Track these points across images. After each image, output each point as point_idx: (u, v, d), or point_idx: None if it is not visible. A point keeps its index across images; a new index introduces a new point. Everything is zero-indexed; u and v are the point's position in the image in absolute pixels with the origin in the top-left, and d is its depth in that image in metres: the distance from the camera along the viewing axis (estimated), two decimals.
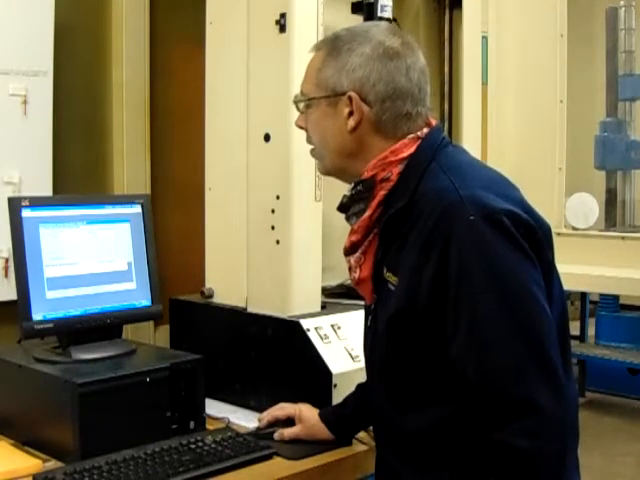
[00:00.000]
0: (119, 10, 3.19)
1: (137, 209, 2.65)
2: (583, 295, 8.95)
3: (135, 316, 2.67)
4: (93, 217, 2.55)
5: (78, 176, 3.10)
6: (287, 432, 2.36)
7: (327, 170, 2.12)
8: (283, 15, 2.53)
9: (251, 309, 2.69)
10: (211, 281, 2.87)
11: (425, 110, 2.04)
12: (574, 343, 9.00)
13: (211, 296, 2.85)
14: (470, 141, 3.18)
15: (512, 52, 3.18)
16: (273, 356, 2.59)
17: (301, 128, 2.13)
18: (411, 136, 1.99)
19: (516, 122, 3.17)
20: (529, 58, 3.15)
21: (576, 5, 3.16)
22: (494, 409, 1.76)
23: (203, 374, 2.47)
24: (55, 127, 2.93)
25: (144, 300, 2.63)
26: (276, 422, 2.43)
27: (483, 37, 3.18)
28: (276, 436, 2.36)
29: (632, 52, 6.53)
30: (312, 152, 2.14)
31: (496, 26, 3.17)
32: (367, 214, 1.99)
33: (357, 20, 2.85)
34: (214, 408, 2.61)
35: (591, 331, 8.96)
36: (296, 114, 2.12)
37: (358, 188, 2.02)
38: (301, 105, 2.09)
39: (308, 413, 2.38)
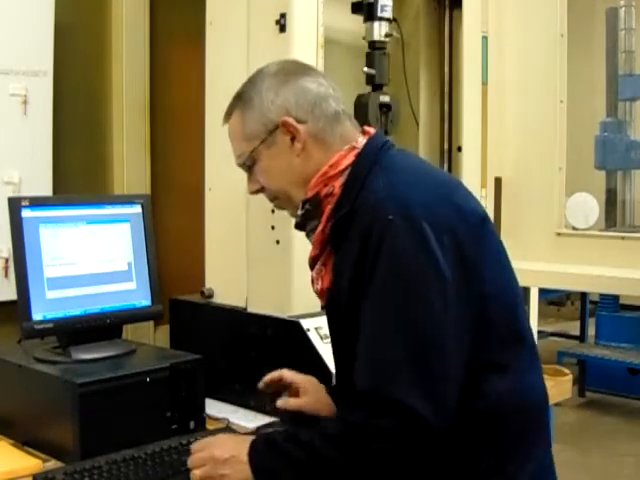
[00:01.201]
0: (119, 10, 3.19)
1: (137, 209, 2.65)
2: (583, 295, 8.97)
3: (135, 316, 2.67)
4: (93, 217, 2.55)
5: (78, 176, 3.10)
6: (292, 401, 2.27)
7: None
8: (283, 15, 2.53)
9: (251, 309, 2.69)
10: (211, 281, 2.87)
11: (347, 112, 2.11)
12: (574, 343, 9.02)
13: (211, 296, 2.85)
14: (470, 141, 3.18)
15: (512, 52, 3.18)
16: (273, 356, 2.58)
17: (257, 191, 2.17)
18: (347, 147, 2.04)
19: (516, 122, 3.17)
20: (529, 58, 3.15)
21: (576, 5, 3.16)
22: (360, 401, 1.82)
23: (203, 374, 2.47)
24: (55, 127, 2.92)
25: (144, 300, 2.63)
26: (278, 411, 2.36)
27: (483, 37, 3.18)
28: (280, 403, 2.27)
29: (632, 52, 6.52)
30: (277, 205, 2.20)
31: (496, 26, 3.17)
32: (319, 229, 2.04)
33: (357, 20, 2.85)
34: (214, 408, 2.61)
35: (591, 331, 8.97)
36: None
37: (306, 207, 2.07)
38: (247, 164, 2.13)
39: (315, 387, 2.30)
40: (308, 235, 2.12)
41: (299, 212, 2.10)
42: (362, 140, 2.06)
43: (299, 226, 2.15)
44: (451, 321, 1.82)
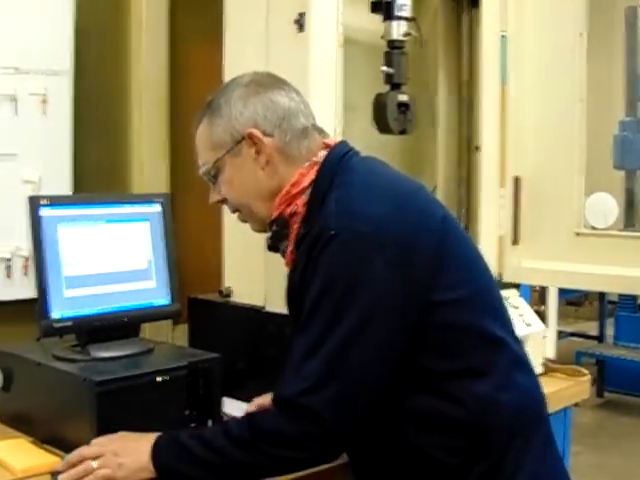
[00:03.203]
0: (139, 10, 3.19)
1: (157, 208, 2.65)
2: (602, 295, 8.95)
3: (154, 315, 2.68)
4: (112, 216, 2.56)
5: (97, 175, 3.10)
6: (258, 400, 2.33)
7: (263, 221, 2.15)
8: (302, 14, 2.52)
9: (269, 308, 2.69)
10: (230, 280, 2.87)
11: (316, 124, 2.13)
12: (592, 343, 9.00)
13: (229, 295, 2.85)
14: (489, 140, 3.18)
15: (531, 51, 3.17)
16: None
17: (219, 202, 2.20)
18: (307, 164, 2.04)
19: (535, 122, 3.16)
20: (548, 57, 3.14)
21: (596, 4, 3.14)
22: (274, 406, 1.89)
23: (221, 373, 2.48)
24: (74, 126, 2.93)
25: (163, 299, 2.64)
26: None
27: (502, 36, 3.17)
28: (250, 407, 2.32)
29: None
30: (240, 217, 2.21)
31: (515, 25, 3.16)
32: (289, 249, 2.08)
33: (376, 19, 2.85)
34: (232, 407, 2.61)
35: (609, 331, 8.96)
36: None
37: (273, 229, 2.10)
38: (212, 174, 2.14)
39: None
40: (283, 255, 2.14)
41: (268, 234, 2.13)
42: (322, 154, 2.06)
43: (271, 248, 2.17)
44: (381, 336, 1.84)
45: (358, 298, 1.82)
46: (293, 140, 2.05)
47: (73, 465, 2.00)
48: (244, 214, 2.18)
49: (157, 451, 1.94)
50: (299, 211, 2.02)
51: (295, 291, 2.00)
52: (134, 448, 1.98)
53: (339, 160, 2.03)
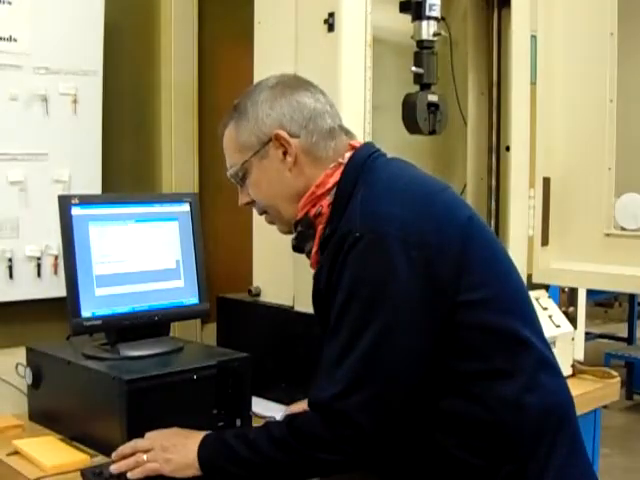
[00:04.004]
0: (168, 10, 3.20)
1: (185, 207, 2.67)
2: (631, 297, 8.89)
3: (183, 314, 2.69)
4: (142, 215, 2.57)
5: (127, 174, 3.12)
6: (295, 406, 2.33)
7: (289, 223, 2.16)
8: (332, 14, 2.53)
9: (298, 307, 2.69)
10: (258, 279, 2.88)
11: (342, 125, 2.13)
12: (621, 345, 8.94)
13: (258, 294, 2.86)
14: (518, 141, 3.17)
15: (561, 51, 3.15)
16: (320, 354, 2.58)
17: (248, 204, 2.20)
18: (332, 165, 2.05)
19: (565, 122, 3.15)
20: (578, 57, 3.13)
21: (626, 3, 3.12)
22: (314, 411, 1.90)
23: (250, 372, 2.48)
24: (104, 126, 2.95)
25: (192, 298, 2.65)
26: None
27: (532, 36, 3.16)
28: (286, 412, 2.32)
29: None
30: (267, 219, 2.21)
31: (545, 25, 3.14)
32: (314, 250, 2.08)
33: (405, 19, 2.85)
34: (260, 406, 2.62)
35: (639, 333, 8.89)
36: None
37: (299, 229, 2.11)
38: (239, 176, 2.15)
39: None
40: (308, 256, 2.14)
41: (294, 234, 2.14)
42: (348, 155, 2.06)
43: (296, 249, 2.18)
44: (410, 338, 1.84)
45: (385, 300, 1.83)
46: (320, 141, 2.06)
47: (125, 456, 2.06)
48: (271, 216, 2.19)
49: (203, 449, 1.98)
50: (324, 212, 2.03)
51: (321, 293, 2.01)
52: (183, 445, 2.02)
53: (364, 161, 2.04)
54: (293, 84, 2.13)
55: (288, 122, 2.05)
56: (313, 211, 2.04)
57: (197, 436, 2.02)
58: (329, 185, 2.03)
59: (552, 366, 2.02)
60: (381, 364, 1.82)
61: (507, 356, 1.91)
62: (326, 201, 2.02)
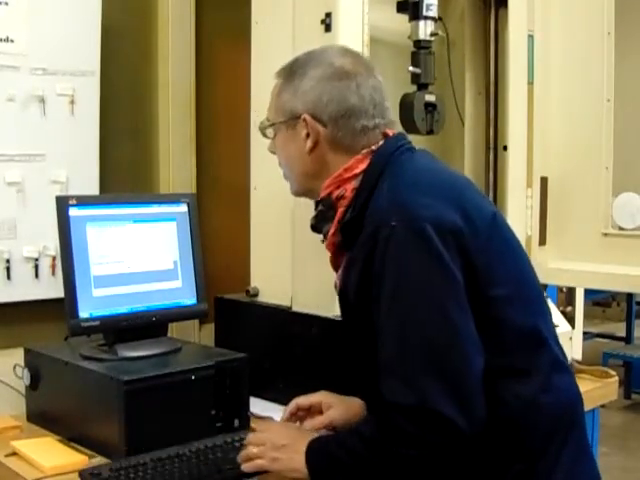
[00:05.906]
0: (165, 10, 3.20)
1: (183, 208, 2.67)
2: (629, 296, 8.89)
3: (180, 314, 2.69)
4: (139, 216, 2.57)
5: (124, 175, 3.11)
6: (319, 419, 2.24)
7: (296, 192, 2.21)
8: (328, 14, 2.53)
9: (296, 308, 2.69)
10: (256, 280, 2.88)
11: (385, 122, 2.09)
12: (619, 345, 8.94)
13: (256, 295, 2.86)
14: (516, 140, 3.16)
15: (558, 51, 3.15)
16: (318, 355, 2.59)
17: (273, 153, 2.21)
18: (365, 151, 2.04)
19: (562, 121, 3.15)
20: (575, 57, 3.12)
21: (623, 3, 3.12)
22: (405, 415, 1.81)
23: (248, 373, 2.48)
24: (102, 127, 2.94)
25: (190, 299, 2.65)
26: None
27: (529, 36, 3.16)
28: (308, 425, 2.24)
29: None
30: (284, 175, 2.22)
31: (542, 25, 3.14)
32: (331, 232, 2.07)
33: (403, 19, 2.85)
34: (258, 407, 2.62)
35: (637, 332, 8.90)
36: None
37: (320, 208, 2.11)
38: (268, 131, 2.17)
39: (335, 398, 2.29)
40: (325, 237, 2.13)
41: (314, 212, 2.14)
42: (380, 143, 2.06)
43: (314, 228, 2.18)
44: (467, 323, 1.82)
45: (434, 284, 1.81)
46: (347, 135, 2.04)
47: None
48: (286, 175, 2.21)
49: (311, 456, 1.96)
50: (347, 195, 2.02)
51: (349, 291, 2.00)
52: (292, 447, 2.00)
53: (392, 152, 2.03)
54: (350, 71, 2.06)
55: (322, 109, 2.04)
56: (336, 193, 2.03)
57: (305, 439, 1.99)
58: (357, 170, 2.02)
59: (563, 364, 2.02)
60: (447, 349, 1.79)
61: (526, 355, 1.91)
62: (351, 185, 2.02)
